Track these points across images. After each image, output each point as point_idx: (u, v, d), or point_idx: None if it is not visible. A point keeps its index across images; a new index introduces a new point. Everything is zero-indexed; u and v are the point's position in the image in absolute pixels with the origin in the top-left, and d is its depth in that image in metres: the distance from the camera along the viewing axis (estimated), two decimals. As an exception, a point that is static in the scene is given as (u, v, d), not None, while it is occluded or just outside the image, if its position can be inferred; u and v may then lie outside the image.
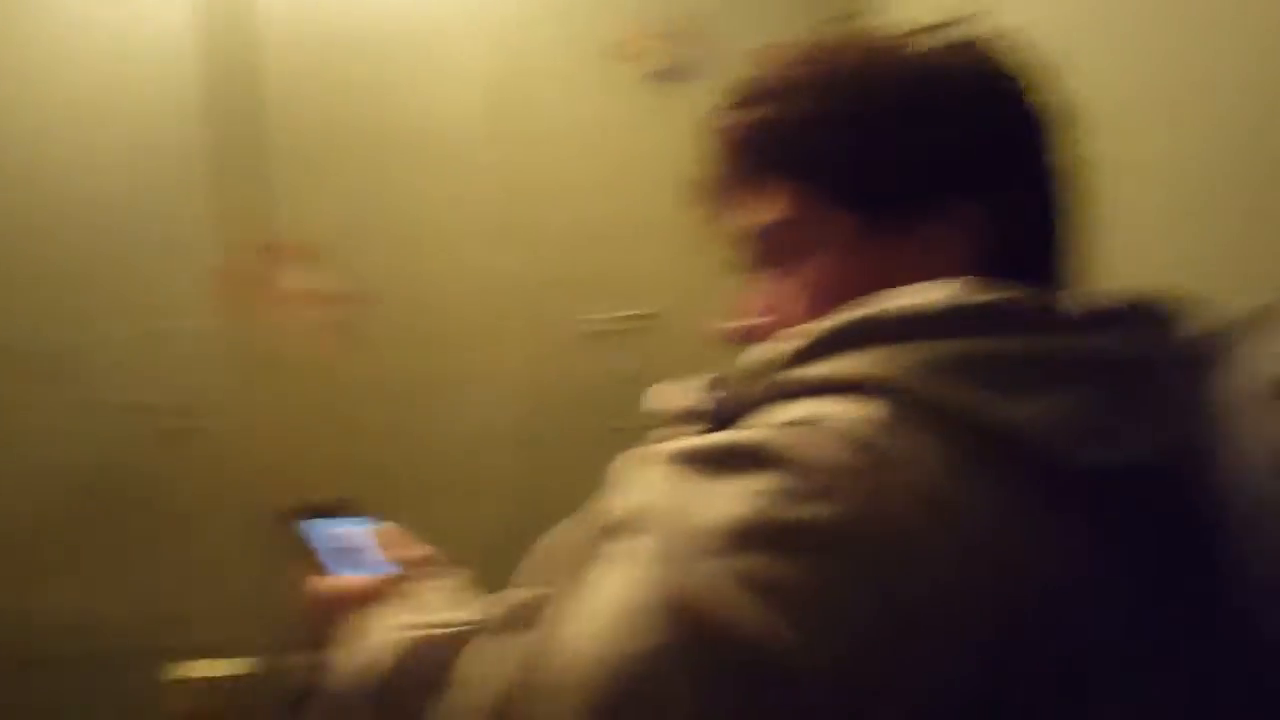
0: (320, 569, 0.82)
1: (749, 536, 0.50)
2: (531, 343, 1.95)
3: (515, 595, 0.57)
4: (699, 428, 0.65)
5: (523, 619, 0.55)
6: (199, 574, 1.84)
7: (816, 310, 0.63)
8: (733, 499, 0.52)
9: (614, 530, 0.55)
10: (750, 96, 0.73)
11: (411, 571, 0.78)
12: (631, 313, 1.97)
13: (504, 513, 1.91)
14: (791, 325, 0.64)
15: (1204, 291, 0.68)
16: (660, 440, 0.59)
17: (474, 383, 1.94)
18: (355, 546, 0.84)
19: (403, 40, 1.92)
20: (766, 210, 0.73)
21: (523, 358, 1.95)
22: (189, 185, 1.84)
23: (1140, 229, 1.05)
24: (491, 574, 0.77)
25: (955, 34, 0.71)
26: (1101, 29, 1.16)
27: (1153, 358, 0.60)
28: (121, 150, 1.85)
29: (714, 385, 0.74)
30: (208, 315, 1.85)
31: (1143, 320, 0.62)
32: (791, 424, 0.55)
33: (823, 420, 0.54)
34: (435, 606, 0.72)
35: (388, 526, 0.88)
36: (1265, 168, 0.95)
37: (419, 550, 0.82)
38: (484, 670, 0.53)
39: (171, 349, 1.85)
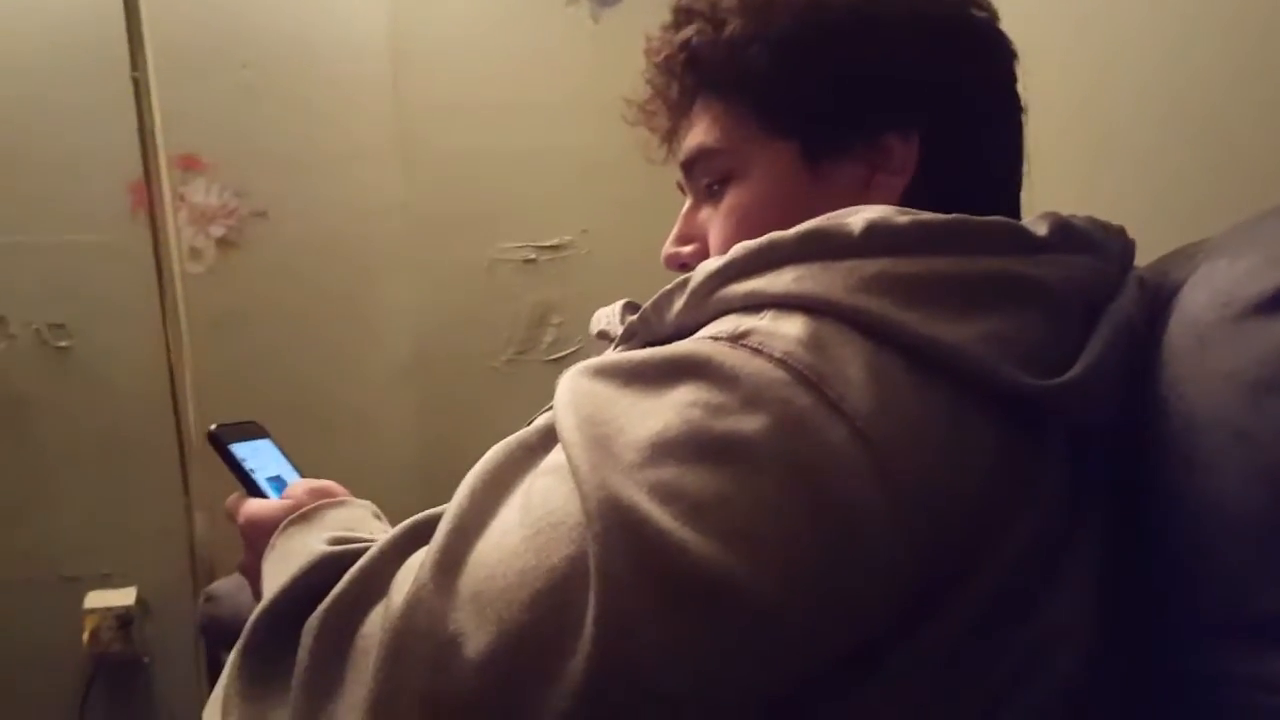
0: (243, 491, 0.80)
1: (678, 448, 0.49)
2: (430, 271, 1.89)
3: (435, 512, 0.55)
4: (622, 348, 0.64)
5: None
6: (103, 502, 1.78)
7: (743, 237, 0.60)
8: (661, 411, 0.51)
9: (538, 445, 0.55)
10: (682, 16, 0.72)
11: (323, 497, 0.74)
12: (543, 243, 1.93)
13: (401, 446, 1.88)
14: (719, 252, 0.64)
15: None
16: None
17: (369, 311, 1.88)
18: (271, 470, 0.82)
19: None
20: (699, 134, 0.72)
21: (421, 286, 1.89)
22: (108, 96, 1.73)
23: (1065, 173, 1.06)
24: (389, 505, 0.75)
25: None
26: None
27: (1095, 285, 0.60)
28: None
29: (629, 308, 0.74)
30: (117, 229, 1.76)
31: (1084, 248, 0.61)
32: (718, 337, 0.54)
33: (749, 334, 0.53)
34: (356, 525, 0.70)
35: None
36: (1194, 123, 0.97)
37: (319, 481, 0.78)
38: (404, 578, 0.52)
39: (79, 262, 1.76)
